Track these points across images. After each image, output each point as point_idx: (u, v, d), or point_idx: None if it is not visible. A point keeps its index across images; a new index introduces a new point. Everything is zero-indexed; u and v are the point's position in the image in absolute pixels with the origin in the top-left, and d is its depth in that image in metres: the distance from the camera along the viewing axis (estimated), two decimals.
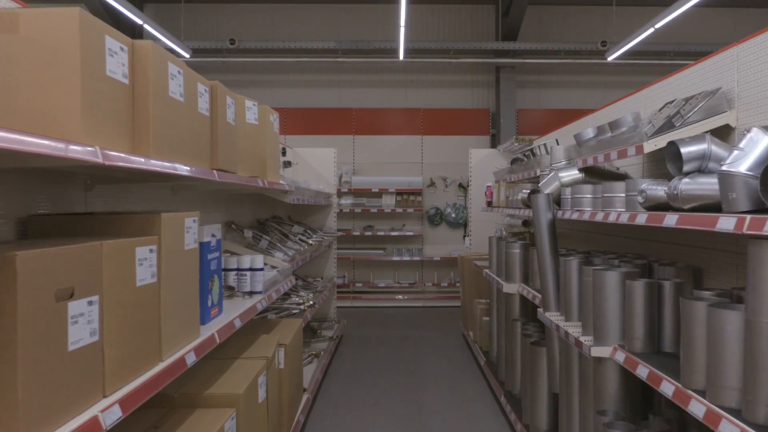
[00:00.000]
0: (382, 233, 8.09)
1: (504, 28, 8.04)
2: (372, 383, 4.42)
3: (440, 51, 8.15)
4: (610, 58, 7.36)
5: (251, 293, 2.84)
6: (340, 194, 7.90)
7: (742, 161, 1.42)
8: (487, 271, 4.47)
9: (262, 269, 2.88)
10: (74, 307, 1.24)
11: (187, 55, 7.27)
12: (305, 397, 3.67)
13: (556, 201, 2.94)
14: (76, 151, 1.21)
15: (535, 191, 3.12)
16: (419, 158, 8.38)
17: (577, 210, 2.54)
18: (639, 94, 3.03)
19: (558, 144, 3.60)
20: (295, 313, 3.91)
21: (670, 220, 1.66)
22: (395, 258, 8.00)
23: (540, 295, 2.93)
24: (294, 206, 5.70)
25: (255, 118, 2.80)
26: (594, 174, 2.89)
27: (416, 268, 8.26)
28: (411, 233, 8.10)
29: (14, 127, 1.12)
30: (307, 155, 6.30)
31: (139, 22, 6.36)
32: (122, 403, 1.36)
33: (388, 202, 8.04)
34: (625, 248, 3.12)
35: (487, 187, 5.29)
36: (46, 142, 1.12)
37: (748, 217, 1.32)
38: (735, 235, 2.11)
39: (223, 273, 2.66)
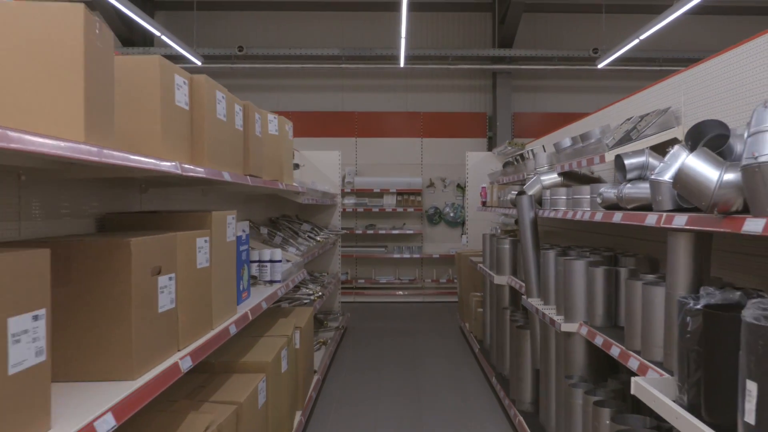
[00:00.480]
0: (383, 232, 8.54)
1: (500, 35, 8.49)
2: (375, 368, 4.88)
3: (439, 57, 8.60)
4: (600, 66, 7.81)
5: (271, 282, 3.29)
6: (343, 194, 8.33)
7: (666, 171, 1.88)
8: (481, 265, 4.93)
9: (280, 261, 3.34)
10: (161, 281, 1.69)
11: (198, 63, 7.72)
12: (316, 377, 4.13)
13: (539, 201, 3.40)
14: (165, 165, 1.67)
15: (521, 193, 3.58)
16: (419, 160, 8.83)
17: (554, 209, 3.00)
18: (613, 107, 3.48)
19: (545, 150, 4.04)
20: (305, 303, 4.36)
21: (617, 217, 2.12)
22: (396, 255, 8.45)
23: (524, 284, 3.38)
24: (301, 206, 6.14)
25: (276, 129, 3.25)
26: (572, 178, 3.35)
27: (416, 265, 8.71)
28: (411, 232, 8.55)
29: (119, 148, 1.56)
30: (313, 158, 6.74)
31: (157, 33, 6.79)
32: (192, 354, 1.81)
33: (389, 202, 8.49)
34: (601, 243, 3.57)
35: (482, 188, 5.74)
36: (148, 159, 1.57)
37: (665, 214, 1.78)
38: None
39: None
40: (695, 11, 8.31)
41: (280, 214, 5.41)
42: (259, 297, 2.83)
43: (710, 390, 1.39)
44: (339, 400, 4.10)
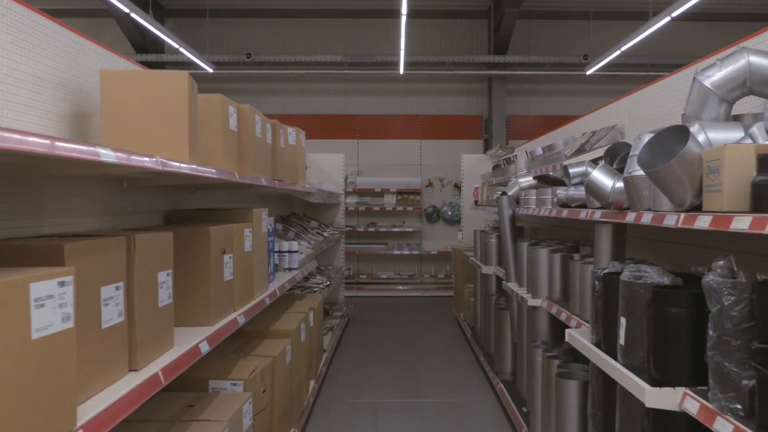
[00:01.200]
0: (384, 229, 9.28)
1: (495, 41, 9.23)
2: (377, 350, 5.63)
3: (437, 63, 9.34)
4: (588, 73, 8.55)
5: (290, 269, 4.04)
6: (346, 194, 9.06)
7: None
8: (472, 258, 5.68)
9: (297, 252, 4.09)
10: (226, 259, 2.43)
11: (210, 70, 8.46)
12: (325, 355, 4.88)
13: (517, 201, 4.14)
14: (232, 175, 2.41)
15: (504, 193, 4.32)
16: (418, 160, 9.58)
17: (526, 207, 3.75)
18: (586, 118, 4.22)
19: (527, 156, 4.77)
20: (315, 291, 5.10)
21: (563, 212, 2.86)
22: (396, 252, 9.20)
23: (505, 271, 4.13)
24: (309, 204, 6.87)
25: (294, 140, 3.99)
26: (545, 180, 4.09)
27: (415, 261, 9.45)
28: (410, 229, 9.30)
29: (205, 164, 2.30)
30: (319, 160, 7.48)
31: (175, 46, 7.53)
32: (244, 314, 2.56)
33: (390, 201, 9.24)
34: (573, 236, 4.31)
35: (475, 188, 6.48)
36: (230, 173, 2.31)
37: (590, 210, 2.52)
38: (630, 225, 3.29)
39: None
40: (682, 18, 9.05)
41: (290, 212, 6.15)
42: (281, 280, 3.58)
43: (606, 329, 2.13)
44: (346, 374, 4.85)
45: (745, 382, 1.42)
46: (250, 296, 2.81)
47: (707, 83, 1.93)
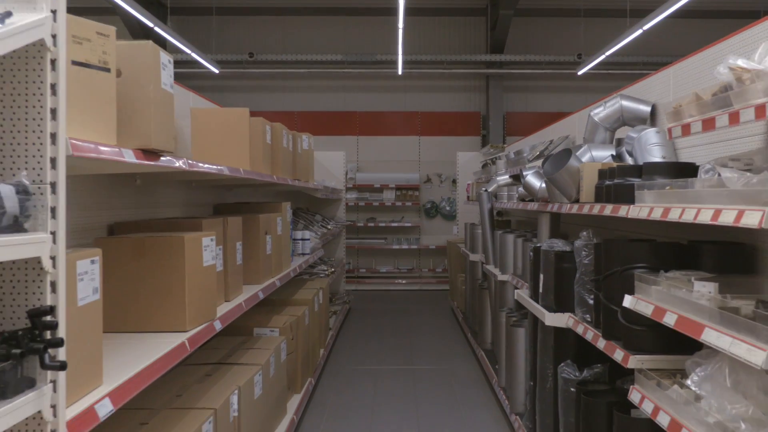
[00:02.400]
0: (383, 224, 10.64)
1: (492, 39, 10.56)
2: (377, 331, 6.98)
3: (435, 62, 10.67)
4: (580, 72, 9.90)
5: (303, 254, 5.38)
6: (345, 189, 10.39)
7: (541, 181, 3.97)
8: (462, 248, 7.02)
9: (309, 239, 5.43)
10: (267, 239, 3.78)
11: (216, 71, 9.80)
12: (330, 332, 6.23)
13: (496, 196, 5.48)
14: (271, 177, 3.76)
15: (485, 190, 5.66)
16: (417, 157, 10.93)
17: (500, 201, 5.09)
18: (574, 116, 5.56)
19: (513, 156, 6.10)
20: (322, 276, 6.45)
21: (519, 205, 4.21)
22: (395, 246, 10.56)
23: (485, 256, 5.49)
24: (312, 200, 8.21)
25: (307, 145, 5.34)
26: (517, 179, 5.43)
27: (414, 255, 10.81)
28: (409, 224, 10.65)
29: (259, 173, 3.63)
30: (321, 157, 8.81)
31: (184, 50, 8.86)
32: (279, 279, 3.92)
33: (389, 196, 10.59)
34: None
35: (467, 184, 7.83)
36: (281, 177, 3.66)
37: (531, 203, 3.87)
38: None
39: None
40: (677, 15, 10.38)
41: (296, 206, 7.50)
42: (298, 261, 4.92)
43: (534, 285, 3.47)
44: (351, 348, 6.21)
45: (590, 301, 2.76)
46: (281, 268, 4.15)
47: (596, 118, 3.28)
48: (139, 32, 10.07)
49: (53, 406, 1.32)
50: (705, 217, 1.69)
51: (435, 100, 11.06)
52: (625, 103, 3.22)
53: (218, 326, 2.55)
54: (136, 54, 1.91)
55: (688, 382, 1.84)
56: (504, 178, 5.47)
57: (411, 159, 10.94)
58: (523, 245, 4.28)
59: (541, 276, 3.28)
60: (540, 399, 3.29)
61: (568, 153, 3.07)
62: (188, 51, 9.17)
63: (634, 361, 2.22)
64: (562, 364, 2.91)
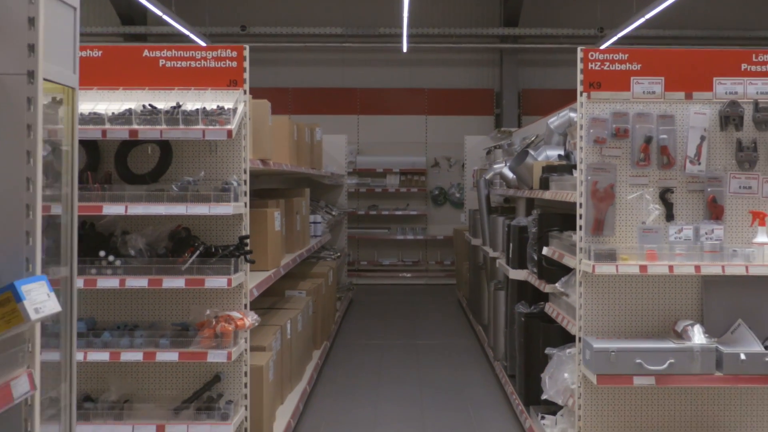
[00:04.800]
0: (386, 213, 13.32)
1: (506, 12, 13.22)
2: (381, 315, 9.74)
3: (444, 36, 13.31)
4: (602, 47, 12.58)
5: (315, 236, 8.12)
6: (347, 174, 12.95)
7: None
8: (467, 233, 9.76)
9: (320, 222, 8.18)
10: (297, 218, 6.52)
11: (203, 44, 12.48)
12: (337, 314, 8.98)
13: (492, 183, 8.21)
14: (299, 168, 6.50)
15: (483, 177, 8.36)
16: (423, 138, 13.61)
17: (493, 188, 7.83)
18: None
19: (503, 146, 8.78)
20: (329, 259, 9.18)
21: (508, 191, 6.95)
22: (399, 237, 13.24)
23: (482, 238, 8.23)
24: (315, 185, 10.90)
25: (319, 137, 8.06)
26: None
27: (420, 247, 13.51)
28: (415, 213, 13.33)
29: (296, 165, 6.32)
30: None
31: (173, 25, 11.54)
32: (306, 251, 6.67)
33: (393, 182, 13.26)
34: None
35: (474, 170, 10.54)
36: (309, 169, 6.39)
37: (511, 190, 6.61)
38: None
39: None
40: None
41: None
42: (313, 241, 7.66)
43: (508, 253, 6.19)
44: (358, 324, 8.97)
45: (534, 257, 5.48)
46: (305, 243, 6.88)
47: (552, 126, 6.00)
48: (121, 4, 12.75)
49: (244, 280, 4.05)
50: (565, 197, 4.39)
51: (443, 75, 13.67)
52: (572, 114, 5.92)
53: (282, 271, 5.27)
54: (259, 106, 4.63)
55: (557, 285, 4.56)
56: (499, 166, 8.20)
57: (417, 141, 13.59)
58: (503, 224, 6.97)
59: (510, 245, 5.99)
60: (509, 338, 6.01)
61: (525, 153, 5.77)
62: (175, 24, 11.80)
63: (548, 288, 4.92)
64: (517, 303, 5.62)
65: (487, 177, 8.22)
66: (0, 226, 1.75)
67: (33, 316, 1.58)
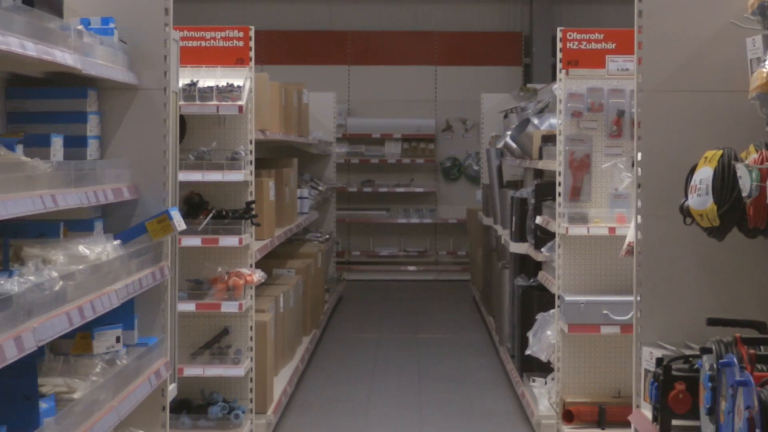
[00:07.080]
0: (384, 190, 15.50)
1: None
2: (378, 311, 12.46)
3: None
4: None
5: (302, 213, 10.85)
6: (335, 141, 14.56)
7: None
8: (480, 213, 12.49)
9: (308, 198, 10.92)
10: (286, 190, 9.27)
11: None
12: (326, 305, 11.71)
13: (503, 153, 10.93)
14: (289, 137, 9.26)
15: (495, 146, 11.06)
16: (432, 95, 15.91)
17: (504, 159, 10.56)
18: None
19: (517, 111, 11.43)
20: (315, 242, 11.88)
21: (516, 162, 9.69)
22: (401, 220, 15.48)
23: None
24: (300, 154, 13.51)
25: (306, 99, 10.78)
26: None
27: (427, 233, 15.84)
28: (421, 190, 15.58)
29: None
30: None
31: None
32: (295, 227, 9.43)
33: (393, 150, 15.45)
34: None
35: (491, 137, 13.20)
36: (299, 137, 9.15)
37: (518, 160, 9.37)
38: None
39: None
40: None
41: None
42: (301, 218, 10.39)
43: (512, 227, 8.91)
44: (350, 307, 11.70)
45: (532, 227, 8.21)
46: (293, 219, 9.61)
47: (556, 93, 8.75)
48: None
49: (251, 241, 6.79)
50: (550, 166, 7.11)
51: (459, 14, 15.80)
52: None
53: (276, 242, 8.00)
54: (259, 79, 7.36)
55: (543, 250, 7.29)
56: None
57: (424, 98, 15.77)
58: (510, 198, 9.67)
59: (513, 218, 8.69)
60: (510, 315, 8.73)
61: (527, 121, 8.47)
62: None
63: (540, 256, 7.62)
64: (517, 277, 8.33)
65: (499, 146, 10.90)
66: (150, 179, 4.41)
67: (178, 227, 4.24)
